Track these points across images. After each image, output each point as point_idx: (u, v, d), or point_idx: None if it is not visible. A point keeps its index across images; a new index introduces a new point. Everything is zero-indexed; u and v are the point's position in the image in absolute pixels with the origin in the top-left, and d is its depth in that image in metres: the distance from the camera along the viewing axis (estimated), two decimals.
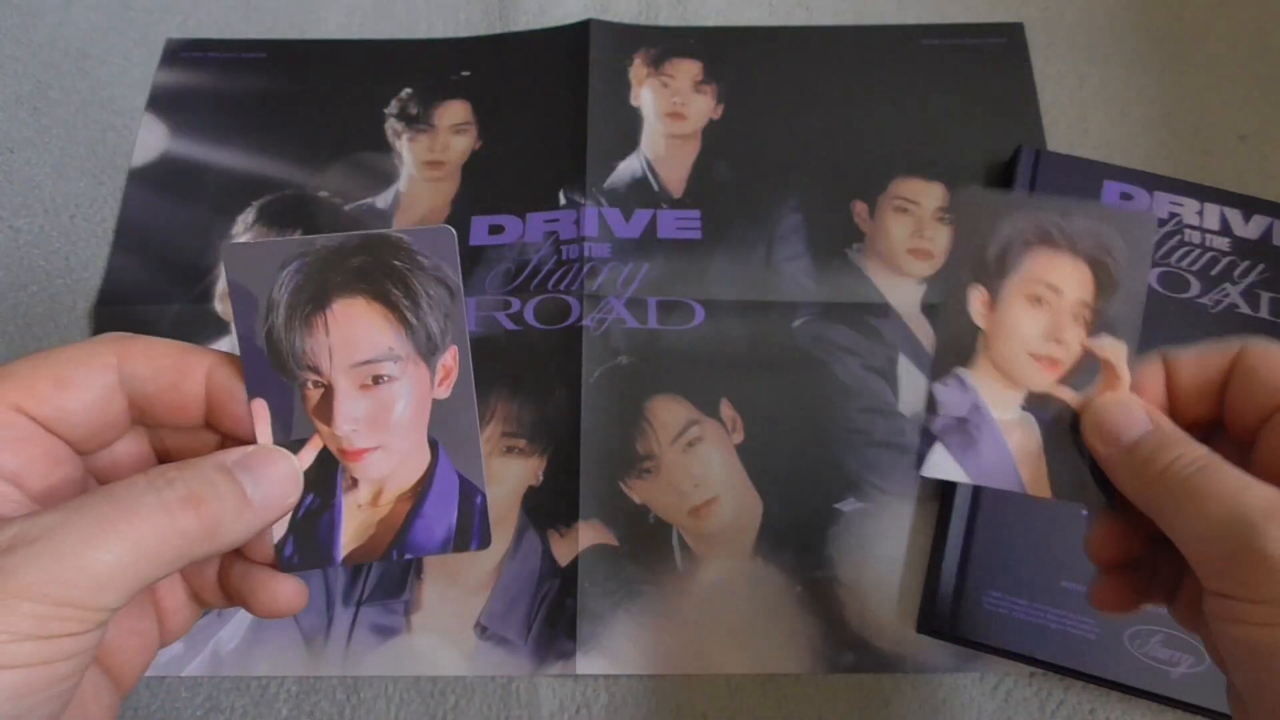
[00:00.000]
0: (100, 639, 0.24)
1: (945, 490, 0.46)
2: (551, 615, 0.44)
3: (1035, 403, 0.32)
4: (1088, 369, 0.31)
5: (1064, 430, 0.31)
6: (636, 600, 0.45)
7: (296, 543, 0.29)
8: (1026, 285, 0.31)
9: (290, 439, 0.29)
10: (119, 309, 0.52)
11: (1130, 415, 0.30)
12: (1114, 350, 0.31)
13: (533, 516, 0.46)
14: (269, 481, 0.27)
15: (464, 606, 0.45)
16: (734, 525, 0.46)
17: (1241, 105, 0.57)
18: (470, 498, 0.30)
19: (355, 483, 0.30)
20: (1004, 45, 0.59)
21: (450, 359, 0.30)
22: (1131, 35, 0.60)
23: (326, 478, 0.29)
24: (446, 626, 0.44)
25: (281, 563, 0.29)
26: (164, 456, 0.30)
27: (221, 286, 0.52)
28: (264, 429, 0.29)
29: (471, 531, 0.30)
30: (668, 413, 0.49)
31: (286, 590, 0.29)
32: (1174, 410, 0.31)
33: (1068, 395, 0.31)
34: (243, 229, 0.54)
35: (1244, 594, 0.25)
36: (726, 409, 0.49)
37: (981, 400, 0.32)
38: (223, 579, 0.30)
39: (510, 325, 0.51)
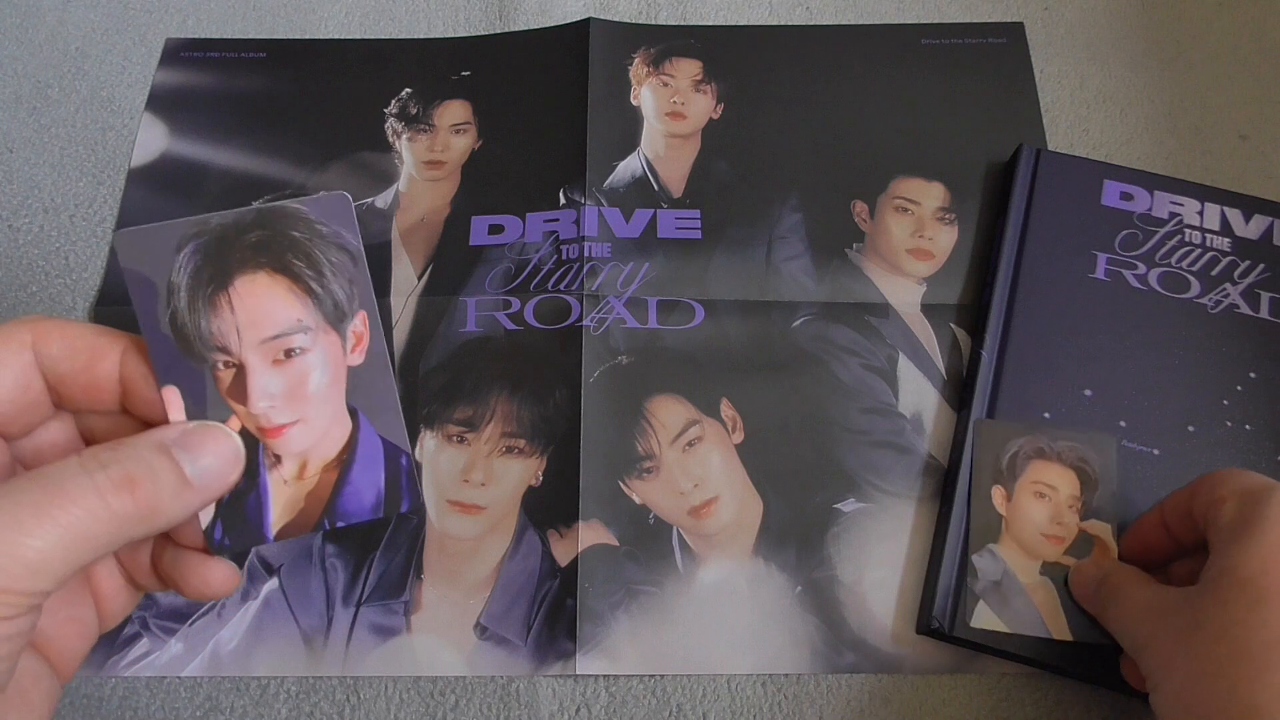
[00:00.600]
0: (34, 623, 0.24)
1: (945, 490, 0.46)
2: (551, 615, 0.44)
3: (1049, 569, 0.43)
4: (1084, 542, 0.43)
5: None
6: (636, 600, 0.45)
7: (225, 525, 0.29)
8: (1031, 485, 0.45)
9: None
10: (119, 309, 0.52)
11: (1086, 574, 0.41)
12: (1101, 529, 0.43)
13: (533, 516, 0.46)
14: (209, 459, 0.27)
15: (464, 607, 0.45)
16: (734, 525, 0.46)
17: (1241, 105, 0.57)
18: (395, 460, 0.30)
19: (278, 459, 0.29)
20: (1004, 45, 0.59)
21: (360, 324, 0.29)
22: (1131, 35, 0.60)
23: (248, 457, 0.29)
24: (446, 627, 0.44)
25: (213, 546, 0.29)
26: (91, 443, 0.30)
27: None
28: (178, 416, 0.28)
29: (400, 493, 0.30)
30: (668, 412, 0.49)
31: (217, 574, 0.29)
32: (1172, 536, 0.39)
33: (1072, 563, 0.43)
34: None
35: (1147, 683, 0.34)
36: (726, 409, 0.49)
37: (1009, 568, 0.43)
38: (155, 563, 0.30)
39: (510, 325, 0.51)
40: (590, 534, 0.46)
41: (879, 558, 0.46)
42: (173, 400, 0.28)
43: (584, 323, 0.50)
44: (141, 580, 0.31)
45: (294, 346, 0.29)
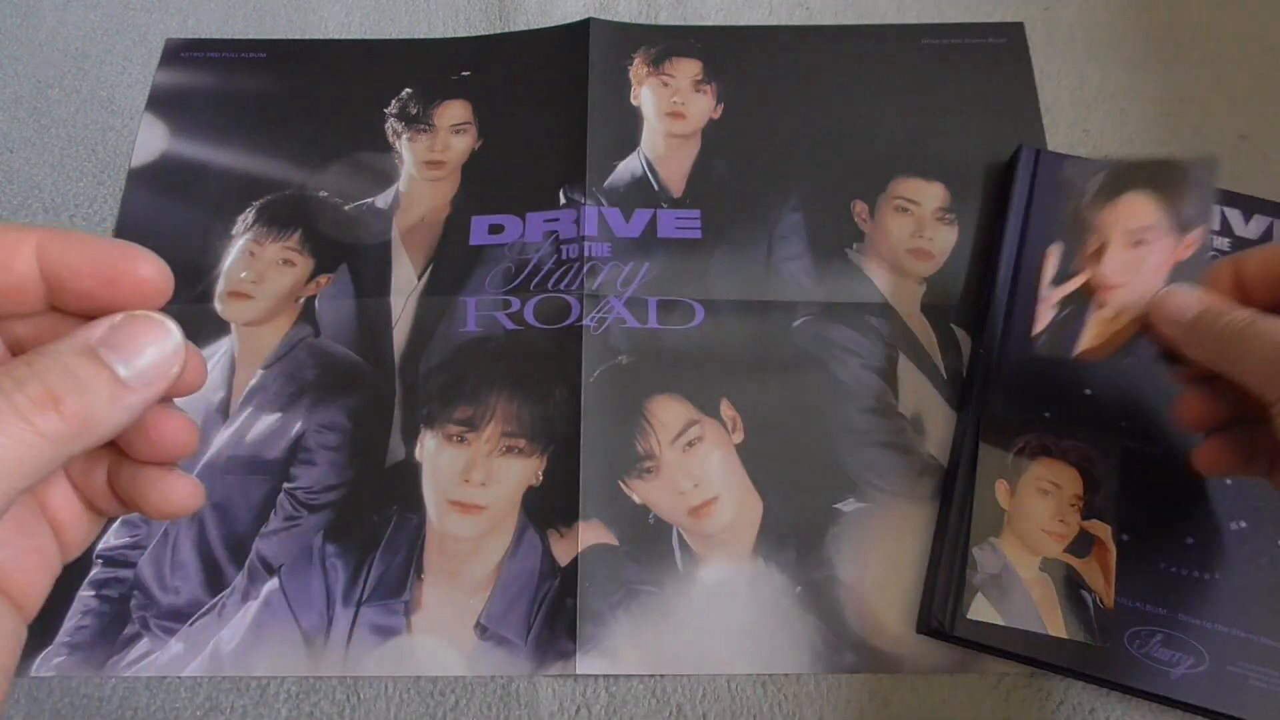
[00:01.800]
0: None
1: (945, 490, 0.46)
2: (551, 615, 0.44)
3: (1049, 566, 0.43)
4: (1084, 541, 0.43)
5: (1072, 587, 0.43)
6: (636, 600, 0.45)
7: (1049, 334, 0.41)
8: (1035, 481, 0.45)
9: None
10: None
11: (1184, 300, 0.39)
12: (1102, 529, 0.44)
13: (533, 516, 0.46)
14: (144, 356, 0.25)
15: (464, 606, 0.45)
16: (734, 525, 0.46)
17: (1241, 105, 0.57)
18: None
19: (1103, 303, 0.41)
20: (1004, 45, 0.59)
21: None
22: (1131, 35, 0.60)
23: (1083, 301, 0.42)
24: (446, 626, 0.44)
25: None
26: (17, 349, 0.27)
27: (221, 287, 0.52)
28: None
29: None
30: (668, 412, 0.49)
31: (180, 489, 0.28)
32: (1245, 298, 0.38)
33: (1072, 560, 0.43)
34: (242, 229, 0.54)
35: None
36: (726, 409, 0.49)
37: (1009, 562, 0.43)
38: (112, 483, 0.28)
39: (510, 325, 0.51)
40: (590, 534, 0.46)
41: (879, 558, 0.46)
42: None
43: (584, 322, 0.50)
44: (100, 504, 0.29)
45: (1149, 239, 0.41)
